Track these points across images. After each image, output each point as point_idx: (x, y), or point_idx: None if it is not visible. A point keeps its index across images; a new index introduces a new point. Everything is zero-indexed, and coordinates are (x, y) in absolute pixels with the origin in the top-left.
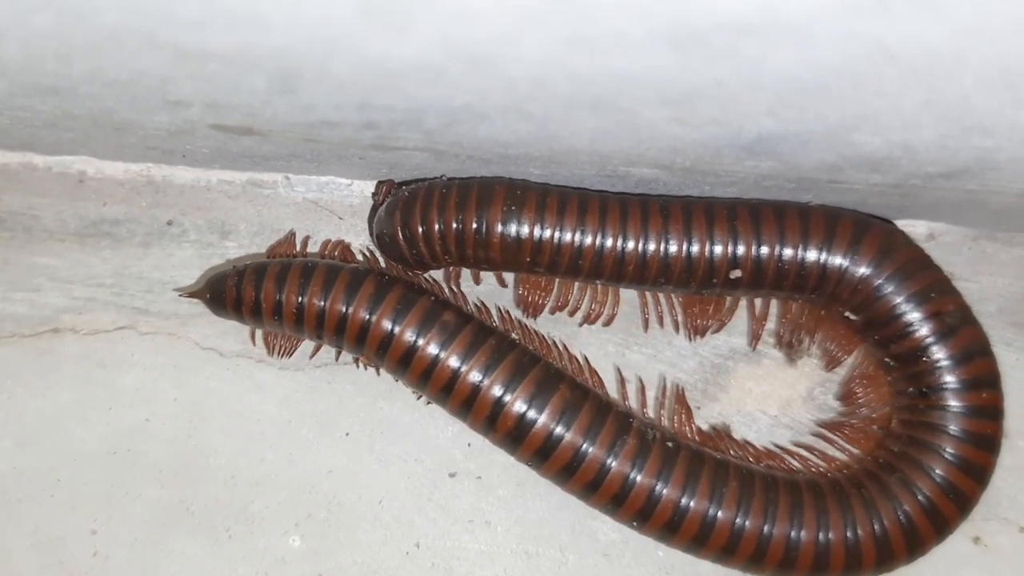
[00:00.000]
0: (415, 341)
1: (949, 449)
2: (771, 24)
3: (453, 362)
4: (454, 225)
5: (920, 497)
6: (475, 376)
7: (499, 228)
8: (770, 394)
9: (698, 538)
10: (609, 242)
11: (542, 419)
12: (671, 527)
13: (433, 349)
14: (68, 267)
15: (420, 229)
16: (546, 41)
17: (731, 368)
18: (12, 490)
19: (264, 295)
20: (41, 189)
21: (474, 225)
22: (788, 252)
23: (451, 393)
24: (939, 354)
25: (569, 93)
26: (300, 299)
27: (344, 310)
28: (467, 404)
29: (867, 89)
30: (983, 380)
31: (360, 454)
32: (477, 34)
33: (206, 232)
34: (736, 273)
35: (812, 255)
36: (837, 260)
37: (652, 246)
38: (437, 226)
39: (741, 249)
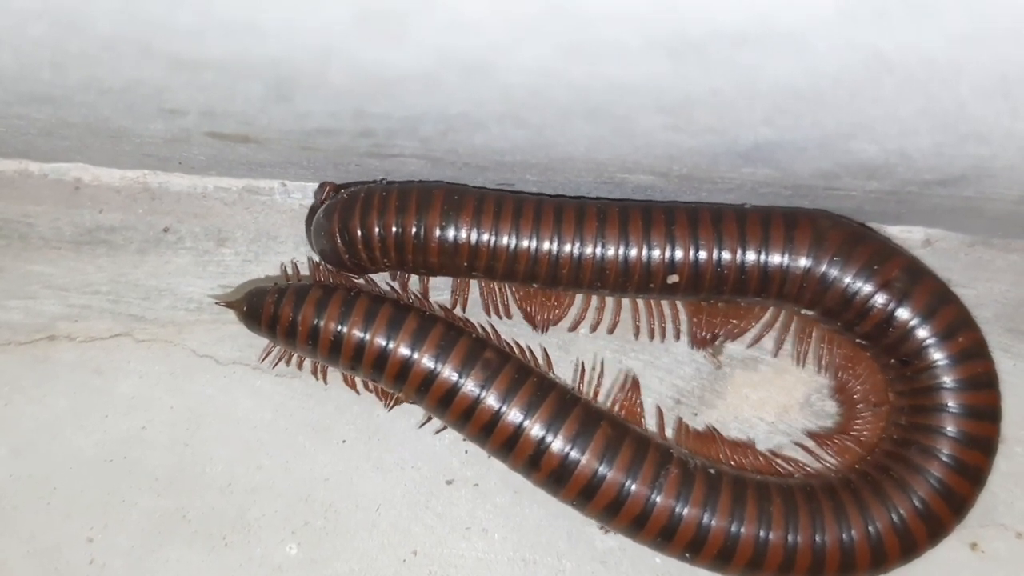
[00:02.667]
0: (457, 380)
1: (950, 403)
2: (767, 33)
3: (494, 402)
4: (393, 229)
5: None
6: (516, 416)
7: (437, 233)
8: (767, 400)
9: (753, 562)
10: (545, 245)
11: (585, 458)
12: (724, 555)
13: (474, 389)
14: (64, 274)
15: (359, 233)
16: (542, 50)
17: (728, 374)
18: (8, 498)
19: (301, 318)
20: (37, 196)
21: (413, 230)
22: (726, 255)
23: (492, 433)
24: (903, 317)
25: (565, 101)
26: (339, 328)
27: (385, 345)
28: (508, 445)
29: (863, 97)
30: (953, 324)
31: (357, 461)
32: (473, 42)
33: (202, 239)
34: (673, 278)
35: (751, 257)
36: (776, 259)
37: (587, 249)
38: (376, 230)
39: (679, 253)
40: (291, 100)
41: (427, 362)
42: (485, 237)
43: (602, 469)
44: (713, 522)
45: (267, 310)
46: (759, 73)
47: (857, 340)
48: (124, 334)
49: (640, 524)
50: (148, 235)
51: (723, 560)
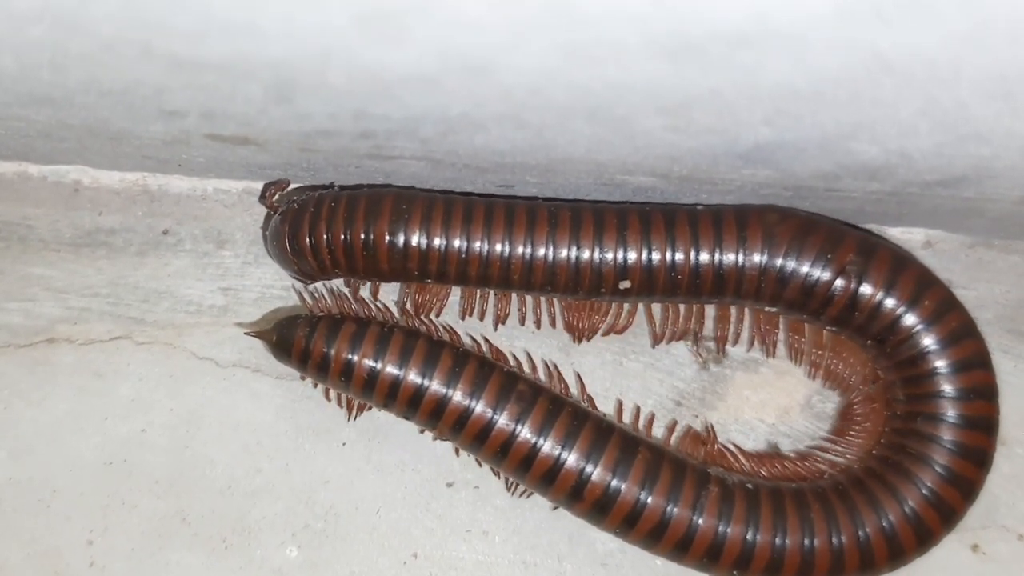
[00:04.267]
0: (492, 417)
1: (937, 365)
2: (767, 34)
3: (529, 435)
4: (342, 237)
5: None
6: (554, 449)
7: (386, 239)
8: (768, 402)
9: (802, 571)
10: (496, 248)
11: (627, 487)
12: (772, 568)
13: (509, 424)
14: (63, 277)
15: (308, 241)
16: (542, 50)
17: (728, 376)
18: (7, 501)
19: (335, 353)
20: (36, 199)
21: (362, 237)
22: (679, 257)
23: (530, 468)
24: (866, 296)
25: (565, 102)
26: (374, 365)
27: (421, 383)
28: (548, 478)
29: (863, 98)
30: (916, 289)
31: (357, 464)
32: (473, 43)
33: (202, 241)
34: (625, 284)
35: (705, 257)
36: (730, 257)
37: (539, 252)
38: (325, 238)
39: (632, 256)
40: (291, 101)
41: (461, 399)
42: (436, 242)
43: (643, 495)
44: (758, 537)
45: (299, 343)
46: (759, 74)
47: (827, 328)
48: (124, 336)
49: (685, 547)
50: (148, 237)
51: (772, 573)
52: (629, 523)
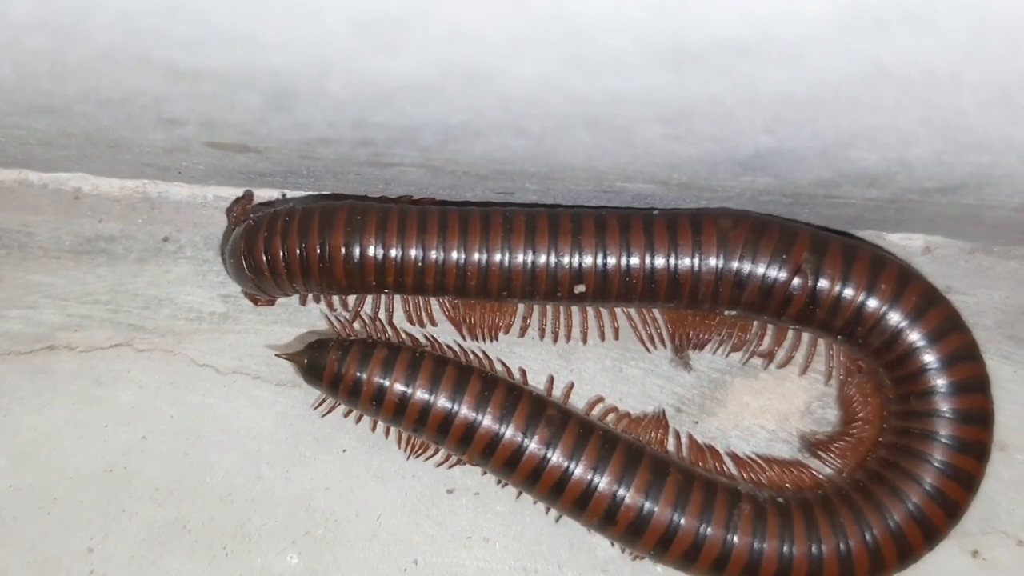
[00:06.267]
0: (522, 442)
1: (913, 338)
2: (767, 43)
3: (561, 460)
4: (297, 252)
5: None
6: (586, 473)
7: (342, 252)
8: (768, 408)
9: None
10: (452, 256)
11: (660, 508)
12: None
13: (540, 449)
14: (63, 284)
15: (264, 259)
16: (542, 60)
17: (728, 382)
18: (7, 508)
19: (367, 378)
20: (36, 206)
21: (318, 251)
22: (634, 261)
23: (562, 493)
24: (824, 291)
25: (565, 111)
26: (406, 391)
27: (451, 408)
28: (581, 503)
29: (863, 106)
30: (870, 275)
31: (357, 471)
32: (472, 52)
33: (202, 248)
34: (580, 288)
35: (660, 262)
36: (686, 262)
37: (494, 258)
38: (281, 254)
39: (587, 260)
40: (290, 110)
41: (490, 424)
42: (392, 253)
43: (676, 517)
44: (794, 550)
45: (331, 367)
46: (759, 83)
47: (792, 327)
48: (124, 344)
49: (721, 567)
50: (148, 244)
51: None
52: (663, 545)
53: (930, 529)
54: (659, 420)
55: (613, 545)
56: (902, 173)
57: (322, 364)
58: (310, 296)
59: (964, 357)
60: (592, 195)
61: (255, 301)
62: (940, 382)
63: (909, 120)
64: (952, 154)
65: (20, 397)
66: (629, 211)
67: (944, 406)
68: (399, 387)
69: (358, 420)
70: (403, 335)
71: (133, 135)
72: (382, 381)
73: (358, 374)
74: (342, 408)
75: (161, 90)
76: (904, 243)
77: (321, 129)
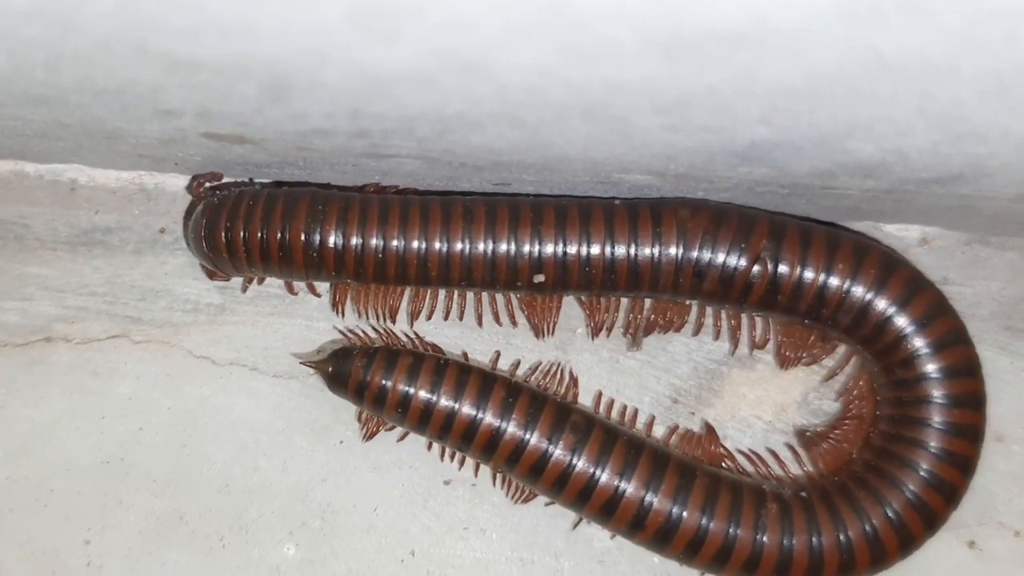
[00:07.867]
0: (547, 449)
1: (888, 312)
2: (764, 32)
3: (587, 467)
4: (258, 235)
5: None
6: (612, 479)
7: (303, 239)
8: (764, 399)
9: (874, 560)
10: (413, 245)
11: (688, 513)
12: (845, 567)
13: (565, 456)
14: (60, 276)
15: (224, 237)
16: (539, 49)
17: (725, 373)
18: (4, 500)
19: (392, 386)
20: (32, 198)
21: (278, 236)
22: (594, 251)
23: (589, 499)
24: (784, 277)
25: (562, 101)
26: (431, 398)
27: (475, 415)
28: (608, 509)
29: (860, 96)
30: (826, 256)
31: (354, 462)
32: (469, 42)
33: None
34: (540, 278)
35: (620, 251)
36: (646, 252)
37: (455, 247)
38: (242, 235)
39: (547, 250)
40: (286, 101)
41: (515, 431)
42: (353, 241)
43: (705, 521)
44: (824, 541)
45: (356, 375)
46: (756, 72)
47: (755, 314)
48: (121, 335)
49: (752, 568)
50: (144, 236)
51: (846, 571)
52: (693, 549)
53: (929, 515)
54: (710, 434)
55: (613, 538)
56: (899, 164)
57: (347, 372)
58: (255, 280)
59: (953, 341)
60: (589, 186)
61: (211, 276)
62: (931, 367)
63: (906, 110)
64: (949, 144)
65: (16, 389)
66: (591, 201)
67: (936, 392)
68: (424, 394)
69: (384, 426)
70: (417, 341)
71: (129, 126)
72: (407, 388)
73: (384, 382)
74: (339, 400)
75: (157, 80)
76: (901, 234)
77: (317, 120)
